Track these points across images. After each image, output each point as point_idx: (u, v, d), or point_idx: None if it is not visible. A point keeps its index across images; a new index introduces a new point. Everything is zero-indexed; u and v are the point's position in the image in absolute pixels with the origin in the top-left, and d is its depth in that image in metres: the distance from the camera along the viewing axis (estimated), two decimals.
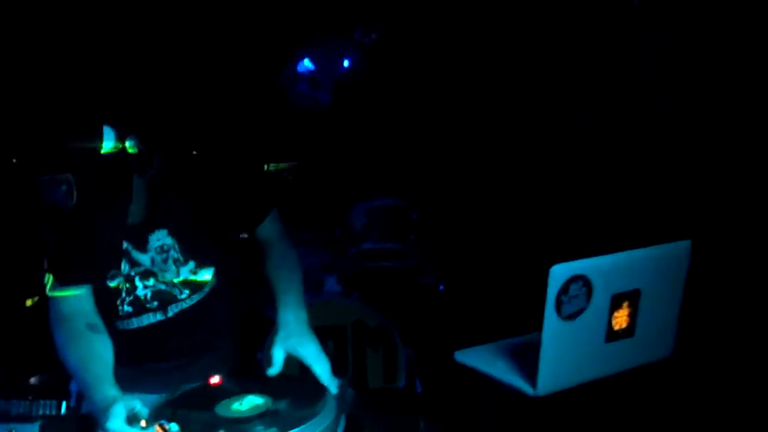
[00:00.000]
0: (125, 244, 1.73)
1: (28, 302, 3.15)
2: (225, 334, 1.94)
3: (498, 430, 1.76)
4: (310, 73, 4.68)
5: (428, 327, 3.36)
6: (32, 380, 3.42)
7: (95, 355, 1.61)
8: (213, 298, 1.84)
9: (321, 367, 1.63)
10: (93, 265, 1.68)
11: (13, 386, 3.34)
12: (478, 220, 3.83)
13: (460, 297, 3.60)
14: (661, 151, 2.31)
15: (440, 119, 4.29)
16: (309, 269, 3.51)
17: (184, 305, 1.80)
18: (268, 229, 1.86)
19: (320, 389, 1.59)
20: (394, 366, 3.23)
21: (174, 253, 1.75)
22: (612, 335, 1.68)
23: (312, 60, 4.68)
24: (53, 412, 1.41)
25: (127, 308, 1.77)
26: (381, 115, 4.41)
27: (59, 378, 2.35)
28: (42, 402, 1.40)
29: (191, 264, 1.77)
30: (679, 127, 2.39)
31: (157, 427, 1.40)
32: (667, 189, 2.25)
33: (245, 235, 1.86)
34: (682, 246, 1.76)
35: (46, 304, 1.68)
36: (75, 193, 1.45)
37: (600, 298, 1.62)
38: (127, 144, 1.53)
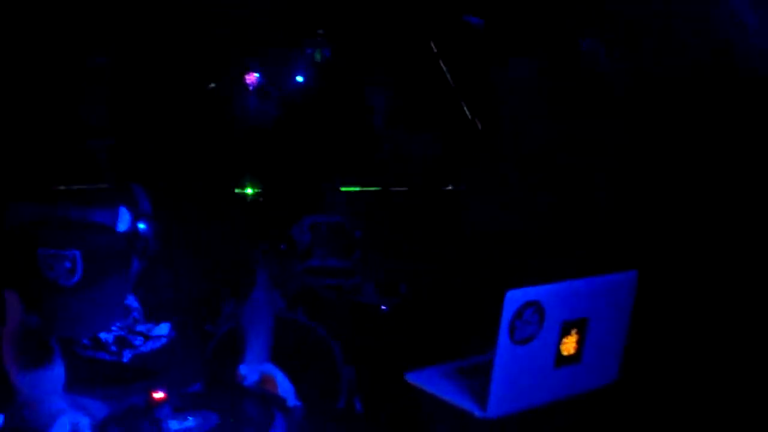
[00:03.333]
0: None
1: None
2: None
3: None
4: (259, 85, 4.64)
5: (370, 346, 3.35)
6: None
7: (47, 371, 1.59)
8: (170, 347, 1.81)
9: (283, 381, 1.65)
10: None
11: None
12: (421, 240, 3.85)
13: (402, 317, 3.61)
14: (611, 180, 2.39)
15: (386, 137, 4.32)
16: None
17: (139, 351, 1.77)
18: None
19: (269, 406, 1.57)
20: (334, 384, 3.21)
21: (136, 314, 1.73)
22: (560, 360, 1.71)
23: (262, 72, 4.65)
24: None
25: (85, 341, 1.73)
26: (329, 132, 4.41)
27: None
28: None
29: (150, 324, 1.75)
30: (628, 155, 2.48)
31: None
32: (616, 217, 2.32)
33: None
34: (629, 276, 1.82)
35: None
36: (79, 271, 1.37)
37: (551, 324, 1.66)
38: (139, 225, 1.49)
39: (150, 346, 1.77)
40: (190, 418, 1.50)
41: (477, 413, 1.64)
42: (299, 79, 4.58)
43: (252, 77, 4.74)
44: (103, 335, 1.71)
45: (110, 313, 1.54)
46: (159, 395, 1.58)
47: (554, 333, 1.68)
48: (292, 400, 1.62)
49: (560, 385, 1.73)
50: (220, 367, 2.96)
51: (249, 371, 1.69)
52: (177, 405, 1.54)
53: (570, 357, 1.73)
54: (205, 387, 1.92)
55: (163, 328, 1.77)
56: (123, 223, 1.45)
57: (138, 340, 1.75)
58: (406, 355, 2.68)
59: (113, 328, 1.70)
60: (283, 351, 3.24)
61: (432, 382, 1.79)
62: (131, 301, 1.71)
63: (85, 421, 1.42)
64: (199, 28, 4.24)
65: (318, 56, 4.56)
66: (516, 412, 1.66)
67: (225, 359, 2.06)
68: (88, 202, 1.43)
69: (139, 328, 1.75)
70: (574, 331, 1.72)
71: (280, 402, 1.59)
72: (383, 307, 3.75)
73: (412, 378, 1.83)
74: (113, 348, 1.73)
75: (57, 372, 1.62)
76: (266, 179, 4.37)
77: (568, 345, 1.72)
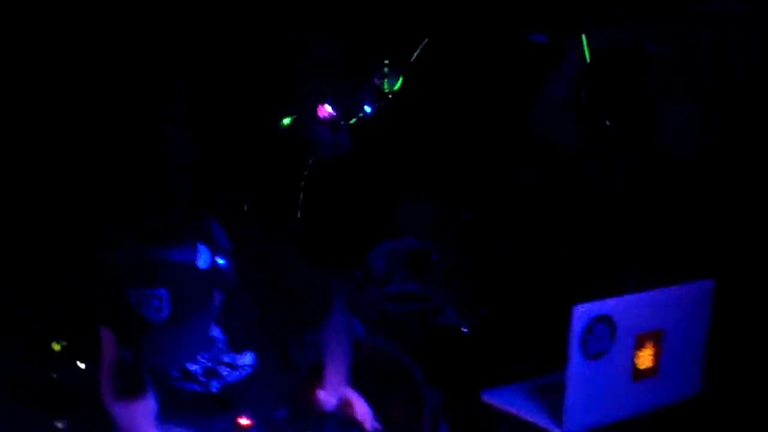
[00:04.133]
0: None
1: (56, 347, 3.20)
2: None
3: None
4: (331, 118, 4.75)
5: (453, 369, 3.35)
6: (59, 425, 3.44)
7: (140, 402, 1.68)
8: (255, 376, 1.87)
9: (361, 405, 1.66)
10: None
11: (37, 429, 3.37)
12: (498, 259, 3.83)
13: (484, 338, 3.59)
14: (680, 188, 2.33)
15: (458, 161, 4.34)
16: None
17: (226, 381, 1.84)
18: None
19: (350, 429, 1.62)
20: (418, 409, 3.22)
21: (220, 345, 1.79)
22: (637, 374, 1.69)
23: (332, 105, 4.76)
24: None
25: (176, 374, 1.82)
26: (399, 159, 4.46)
27: (83, 421, 2.38)
28: None
29: (234, 354, 1.82)
30: (700, 163, 2.41)
31: None
32: (688, 227, 2.26)
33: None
34: (704, 285, 1.78)
35: (74, 347, 1.73)
36: (167, 308, 1.46)
37: (624, 338, 1.64)
38: (218, 260, 1.56)
39: (236, 375, 1.85)
40: None
41: (554, 430, 1.64)
42: (367, 109, 4.67)
43: (324, 111, 4.86)
44: (191, 367, 1.80)
45: (196, 345, 1.63)
46: (245, 422, 1.66)
47: (628, 346, 1.66)
48: (371, 423, 1.65)
49: (639, 399, 1.71)
50: (305, 395, 3.05)
51: (328, 396, 1.74)
52: (262, 431, 1.61)
53: (647, 370, 1.71)
54: (288, 413, 1.98)
55: (248, 358, 1.86)
56: (203, 260, 1.54)
57: (225, 370, 1.84)
58: (487, 376, 2.68)
59: (200, 359, 1.79)
60: (365, 376, 3.29)
61: (508, 401, 1.80)
62: (216, 332, 1.80)
63: None
64: (274, 65, 4.39)
65: (386, 86, 4.64)
66: (594, 427, 1.65)
67: (310, 387, 2.14)
68: (171, 243, 1.52)
69: (225, 358, 1.83)
70: (649, 344, 1.70)
71: (358, 425, 1.63)
72: (464, 330, 3.74)
73: (487, 397, 1.84)
74: (202, 379, 1.82)
75: (150, 403, 1.71)
76: (339, 207, 4.46)
77: (644, 358, 1.70)
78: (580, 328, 1.56)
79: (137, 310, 1.47)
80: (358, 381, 3.32)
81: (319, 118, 4.88)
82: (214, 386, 1.84)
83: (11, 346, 2.89)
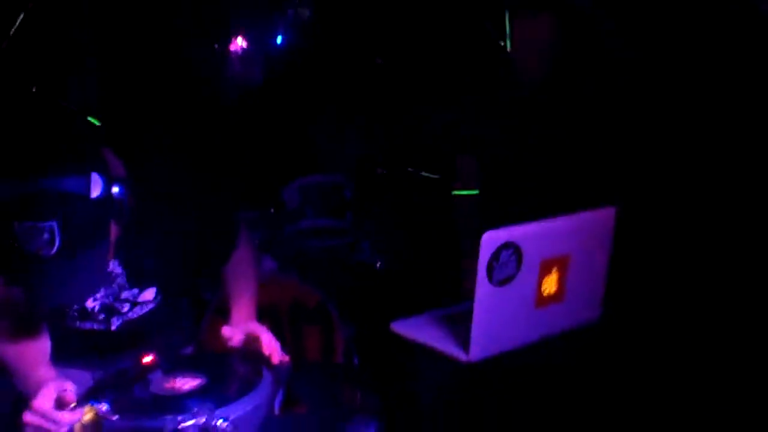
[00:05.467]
0: None
1: None
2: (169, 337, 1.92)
3: (433, 398, 1.79)
4: (243, 51, 4.60)
5: (366, 304, 3.37)
6: None
7: (31, 342, 1.62)
8: (157, 313, 1.81)
9: (268, 338, 1.66)
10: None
11: None
12: (410, 194, 3.85)
13: (396, 273, 3.62)
14: (586, 118, 2.37)
15: (372, 97, 4.29)
16: None
17: (127, 317, 1.78)
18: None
19: (257, 364, 1.59)
20: (332, 344, 3.24)
21: (120, 280, 1.72)
22: (542, 300, 1.73)
23: (245, 38, 4.59)
24: None
25: (73, 313, 1.74)
26: (312, 93, 4.38)
27: None
28: None
29: (135, 290, 1.75)
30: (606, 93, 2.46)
31: (87, 408, 1.37)
32: (592, 155, 2.31)
33: None
34: (607, 213, 1.82)
35: None
36: (57, 241, 1.37)
37: (530, 264, 1.67)
38: (113, 189, 1.47)
39: (137, 312, 1.79)
40: (180, 379, 1.52)
41: (461, 357, 1.66)
42: (278, 40, 4.54)
43: (236, 43, 4.69)
44: (89, 305, 1.72)
45: (93, 281, 1.55)
46: (148, 359, 1.61)
47: (534, 273, 1.69)
48: (277, 357, 1.63)
49: (543, 325, 1.75)
50: (212, 331, 3.00)
51: (233, 331, 1.71)
52: (166, 367, 1.56)
53: (551, 296, 1.74)
54: (194, 350, 1.94)
55: (149, 294, 1.79)
56: (96, 189, 1.45)
57: (125, 307, 1.77)
58: (398, 309, 2.71)
59: (98, 296, 1.72)
60: (279, 312, 3.28)
61: (417, 330, 1.81)
62: (114, 266, 1.72)
63: (72, 388, 1.44)
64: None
65: (298, 17, 4.51)
66: (499, 353, 1.68)
67: (216, 324, 2.09)
68: (59, 173, 1.43)
69: (125, 294, 1.76)
70: (554, 270, 1.73)
71: (264, 359, 1.61)
72: (378, 265, 3.77)
73: (397, 327, 1.85)
74: (101, 316, 1.75)
75: (43, 344, 1.64)
76: (254, 142, 4.36)
77: (549, 284, 1.73)
78: (487, 255, 1.57)
79: (25, 245, 1.37)
80: (271, 317, 3.31)
81: (231, 51, 4.72)
82: (115, 323, 1.77)
83: None
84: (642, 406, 2.27)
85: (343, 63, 4.38)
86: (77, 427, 1.38)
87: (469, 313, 1.65)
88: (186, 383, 1.51)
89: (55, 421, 1.40)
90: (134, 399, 1.47)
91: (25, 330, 1.65)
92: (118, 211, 1.51)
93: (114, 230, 1.55)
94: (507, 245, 1.59)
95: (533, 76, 2.37)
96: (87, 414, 1.38)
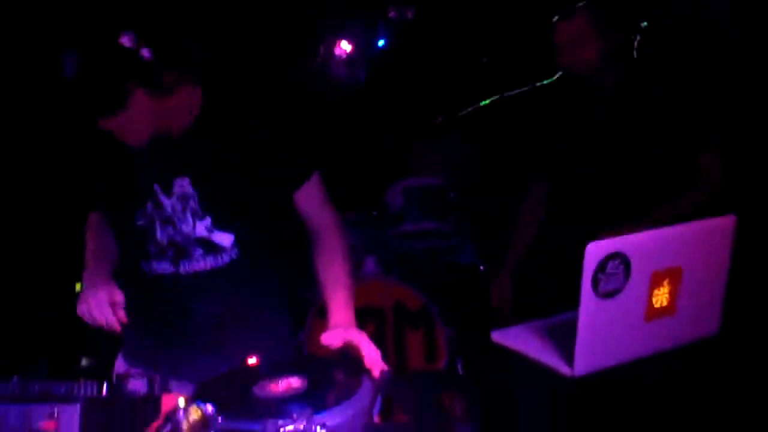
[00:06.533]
0: (155, 186, 1.74)
1: (78, 286, 3.23)
2: (246, 314, 1.88)
3: (535, 412, 1.74)
4: (347, 55, 4.66)
5: (469, 307, 3.33)
6: (83, 362, 3.51)
7: (101, 248, 1.82)
8: (232, 271, 1.79)
9: (369, 349, 1.61)
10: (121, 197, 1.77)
11: (62, 368, 3.44)
12: (514, 198, 3.77)
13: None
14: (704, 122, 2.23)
15: (475, 96, 4.22)
16: None
17: (197, 266, 1.78)
18: (314, 206, 1.83)
19: (357, 371, 1.58)
20: (435, 347, 3.23)
21: (193, 204, 1.72)
22: (653, 313, 1.64)
23: (349, 41, 4.65)
24: (95, 393, 1.42)
25: (150, 248, 1.78)
26: (415, 94, 4.36)
27: (104, 360, 2.40)
28: (84, 383, 1.42)
29: (208, 220, 1.73)
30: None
31: (193, 408, 1.41)
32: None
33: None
34: (725, 221, 1.70)
35: None
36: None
37: (639, 276, 1.58)
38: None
39: (210, 262, 1.79)
40: (282, 383, 1.54)
41: (564, 371, 1.60)
42: (380, 43, 4.57)
43: (340, 47, 4.77)
44: (159, 235, 1.78)
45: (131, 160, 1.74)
46: (252, 360, 1.64)
47: (644, 284, 1.60)
48: (378, 370, 1.59)
49: (654, 339, 1.66)
50: (311, 338, 3.03)
51: (333, 340, 1.67)
52: (269, 371, 1.59)
53: (663, 309, 1.65)
54: (296, 352, 1.96)
55: (226, 238, 1.77)
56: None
57: (197, 251, 1.79)
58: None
59: (170, 231, 1.77)
60: (383, 314, 3.29)
61: (518, 340, 1.76)
62: (186, 185, 1.75)
63: (121, 298, 1.64)
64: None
65: (401, 19, 4.52)
66: (606, 368, 1.60)
67: (316, 330, 2.08)
68: None
69: (199, 228, 1.77)
70: (666, 281, 1.64)
71: (363, 367, 1.59)
72: (482, 267, 3.72)
73: (498, 336, 1.80)
74: (170, 252, 1.78)
75: (111, 251, 1.87)
76: (356, 145, 4.39)
77: (660, 296, 1.64)
78: (592, 266, 1.50)
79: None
80: (376, 319, 3.33)
81: (335, 54, 4.79)
82: (184, 266, 1.77)
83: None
84: (763, 425, 2.12)
85: (446, 63, 4.34)
86: (185, 426, 1.42)
87: (574, 323, 1.58)
88: (287, 387, 1.53)
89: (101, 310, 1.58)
90: (237, 400, 1.50)
91: (102, 236, 1.84)
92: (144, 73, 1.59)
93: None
94: (614, 255, 1.52)
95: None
96: (193, 414, 1.41)
